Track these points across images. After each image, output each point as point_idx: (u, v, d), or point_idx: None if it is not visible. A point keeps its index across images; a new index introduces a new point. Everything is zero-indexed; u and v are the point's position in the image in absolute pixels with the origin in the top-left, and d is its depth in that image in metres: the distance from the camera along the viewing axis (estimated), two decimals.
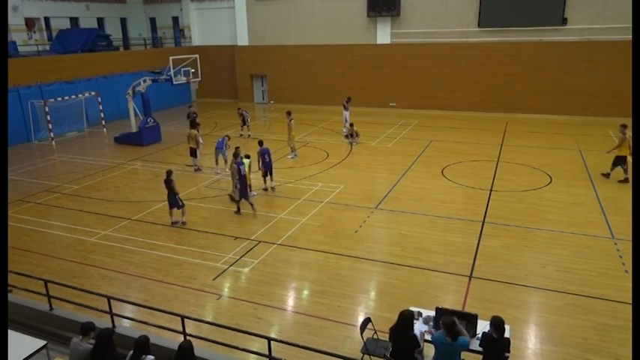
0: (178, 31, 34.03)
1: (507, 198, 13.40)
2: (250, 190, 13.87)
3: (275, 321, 8.20)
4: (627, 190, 13.20)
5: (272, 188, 14.42)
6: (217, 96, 32.56)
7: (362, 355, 6.55)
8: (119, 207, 13.50)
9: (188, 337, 6.34)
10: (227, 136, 16.71)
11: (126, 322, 7.75)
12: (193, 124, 20.01)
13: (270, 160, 14.12)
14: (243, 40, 30.48)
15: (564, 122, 23.13)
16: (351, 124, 20.13)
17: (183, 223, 12.09)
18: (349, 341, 7.47)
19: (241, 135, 21.68)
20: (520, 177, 15.11)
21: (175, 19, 34.36)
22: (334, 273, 9.61)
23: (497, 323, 5.75)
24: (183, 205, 12.10)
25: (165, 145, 20.53)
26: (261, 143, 14.58)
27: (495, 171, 15.80)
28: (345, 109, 22.03)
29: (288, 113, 18.41)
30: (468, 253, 10.23)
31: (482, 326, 6.25)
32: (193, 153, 16.61)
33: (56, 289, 7.85)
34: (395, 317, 6.10)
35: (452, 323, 5.64)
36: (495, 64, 24.73)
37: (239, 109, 22.19)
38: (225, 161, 16.36)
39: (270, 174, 14.29)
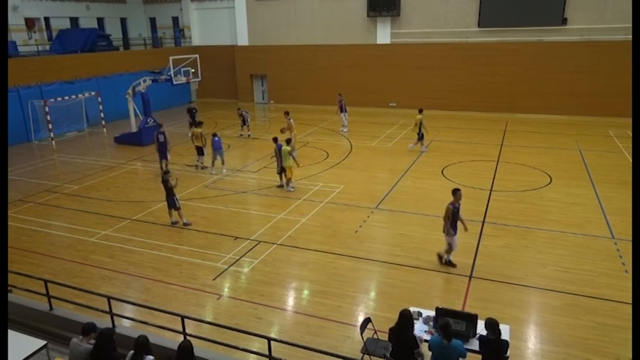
0: (178, 31, 34.04)
1: (507, 198, 13.40)
2: (289, 184, 14.35)
3: (275, 321, 8.20)
4: (627, 190, 13.19)
5: (280, 186, 14.68)
6: (217, 96, 32.56)
7: (362, 355, 6.54)
8: (119, 207, 13.50)
9: (188, 337, 6.34)
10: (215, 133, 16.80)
11: (126, 322, 7.75)
12: (194, 120, 20.27)
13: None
14: (243, 40, 30.48)
15: (564, 122, 23.14)
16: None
17: (185, 223, 12.07)
18: (349, 341, 7.47)
19: (241, 135, 21.70)
20: (520, 177, 15.11)
21: (175, 19, 34.36)
22: (334, 273, 9.61)
23: (491, 325, 5.77)
24: (179, 207, 12.11)
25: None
26: (276, 140, 14.90)
27: (495, 171, 15.80)
28: (342, 110, 22.16)
29: (286, 113, 18.52)
30: (468, 253, 10.22)
31: (483, 326, 6.25)
32: (200, 151, 16.61)
33: (56, 289, 7.86)
34: (395, 317, 6.11)
35: (446, 325, 5.65)
36: (495, 64, 24.73)
37: (239, 109, 22.19)
38: (223, 162, 16.37)
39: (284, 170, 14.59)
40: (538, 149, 18.29)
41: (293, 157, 14.16)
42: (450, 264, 9.67)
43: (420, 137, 18.01)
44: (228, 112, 26.81)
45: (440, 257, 9.83)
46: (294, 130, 18.07)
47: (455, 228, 9.38)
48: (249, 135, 21.57)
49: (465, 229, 9.53)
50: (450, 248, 9.59)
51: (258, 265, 9.98)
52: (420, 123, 17.74)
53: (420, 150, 18.26)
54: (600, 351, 7.13)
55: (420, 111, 18.22)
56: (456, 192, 9.51)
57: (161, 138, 16.09)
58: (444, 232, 9.52)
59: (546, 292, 8.74)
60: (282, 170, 14.60)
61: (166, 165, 16.10)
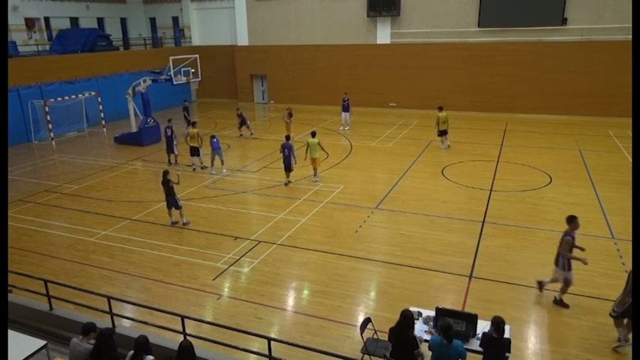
0: (178, 31, 34.04)
1: (507, 198, 13.40)
2: (315, 175, 15.16)
3: (275, 321, 8.20)
4: (627, 190, 13.18)
5: (285, 184, 14.82)
6: (217, 96, 32.57)
7: (362, 355, 6.54)
8: (119, 207, 13.50)
9: (188, 337, 6.34)
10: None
11: (126, 322, 7.75)
12: (189, 119, 20.49)
13: (289, 154, 14.59)
14: (243, 40, 30.48)
15: (564, 122, 23.14)
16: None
17: (185, 223, 12.08)
18: (349, 341, 7.47)
19: (241, 135, 21.66)
20: (520, 177, 15.11)
21: (175, 19, 34.36)
22: (334, 273, 9.61)
23: (497, 323, 5.76)
24: (181, 206, 12.11)
25: (165, 145, 20.48)
26: (287, 138, 15.25)
27: (495, 171, 15.80)
28: (344, 109, 22.25)
29: (290, 115, 18.58)
30: (468, 253, 10.23)
31: (483, 326, 6.26)
32: (196, 152, 16.61)
33: (56, 289, 7.86)
34: (395, 317, 6.11)
35: (448, 326, 5.66)
36: (495, 64, 24.73)
37: (238, 109, 22.19)
38: (222, 162, 16.40)
39: (287, 169, 14.74)
40: (538, 149, 18.29)
41: (322, 148, 14.86)
42: (562, 304, 8.20)
43: (443, 133, 18.43)
44: (228, 112, 26.79)
45: (540, 285, 8.55)
46: (291, 130, 18.08)
47: (570, 261, 8.01)
48: (251, 134, 21.56)
49: (584, 262, 7.88)
50: (565, 286, 8.14)
51: (258, 265, 9.98)
52: (447, 119, 18.20)
53: (441, 147, 18.57)
54: (600, 351, 7.13)
55: (440, 109, 18.41)
56: (573, 220, 8.08)
57: (168, 132, 17.15)
58: (556, 265, 8.17)
59: (546, 292, 8.73)
60: (287, 168, 14.72)
61: (175, 159, 17.44)
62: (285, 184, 14.80)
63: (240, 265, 10.01)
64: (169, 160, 17.49)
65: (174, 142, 17.24)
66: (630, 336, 7.00)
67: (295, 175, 15.32)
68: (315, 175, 15.13)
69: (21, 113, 21.29)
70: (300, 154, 15.46)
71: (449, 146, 18.67)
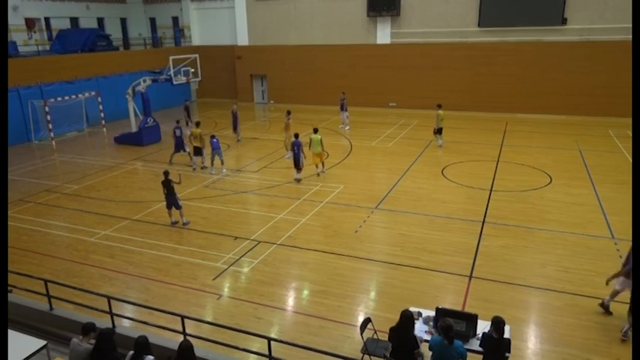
0: (178, 31, 34.03)
1: (507, 198, 13.40)
2: (321, 168, 15.74)
3: (275, 321, 8.20)
4: (627, 190, 13.17)
5: (297, 180, 15.07)
6: (217, 96, 32.56)
7: (362, 355, 6.55)
8: (119, 207, 13.50)
9: (188, 337, 6.34)
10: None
11: (126, 322, 7.76)
12: (190, 118, 20.39)
13: (298, 152, 14.81)
14: (243, 40, 30.49)
15: (564, 122, 23.14)
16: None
17: (184, 223, 12.08)
18: (349, 341, 7.47)
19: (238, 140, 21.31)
20: (520, 177, 15.11)
21: (175, 19, 34.36)
22: (334, 273, 9.61)
23: (497, 323, 5.76)
24: (181, 205, 12.11)
25: (165, 145, 20.48)
26: (296, 136, 15.47)
27: (495, 171, 15.80)
28: (342, 108, 22.46)
29: (288, 112, 18.58)
30: (468, 253, 10.23)
31: (483, 326, 6.26)
32: (198, 152, 16.60)
33: (56, 289, 7.86)
34: (395, 317, 6.12)
35: (449, 327, 5.66)
36: (495, 64, 24.74)
37: (233, 107, 22.05)
38: (222, 162, 16.37)
39: (297, 166, 14.99)
40: (538, 149, 18.29)
41: (322, 146, 15.32)
42: (607, 309, 8.03)
43: (439, 131, 18.83)
44: (228, 112, 26.71)
45: (605, 307, 8.07)
46: (290, 130, 18.06)
47: None
48: (238, 139, 20.81)
49: None
50: (616, 294, 7.92)
51: (258, 265, 9.98)
52: (444, 118, 18.68)
53: (437, 144, 19.01)
54: (600, 351, 7.13)
55: (439, 106, 18.70)
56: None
57: (177, 132, 17.59)
58: (627, 277, 7.66)
59: (546, 292, 8.74)
60: (297, 165, 14.93)
61: (189, 156, 17.54)
62: (298, 181, 14.97)
63: (240, 265, 10.01)
64: (170, 160, 17.50)
65: (185, 141, 17.62)
66: (630, 333, 7.01)
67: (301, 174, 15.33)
68: (322, 167, 15.61)
69: (21, 113, 21.29)
70: (305, 150, 15.47)
71: (440, 144, 18.96)
